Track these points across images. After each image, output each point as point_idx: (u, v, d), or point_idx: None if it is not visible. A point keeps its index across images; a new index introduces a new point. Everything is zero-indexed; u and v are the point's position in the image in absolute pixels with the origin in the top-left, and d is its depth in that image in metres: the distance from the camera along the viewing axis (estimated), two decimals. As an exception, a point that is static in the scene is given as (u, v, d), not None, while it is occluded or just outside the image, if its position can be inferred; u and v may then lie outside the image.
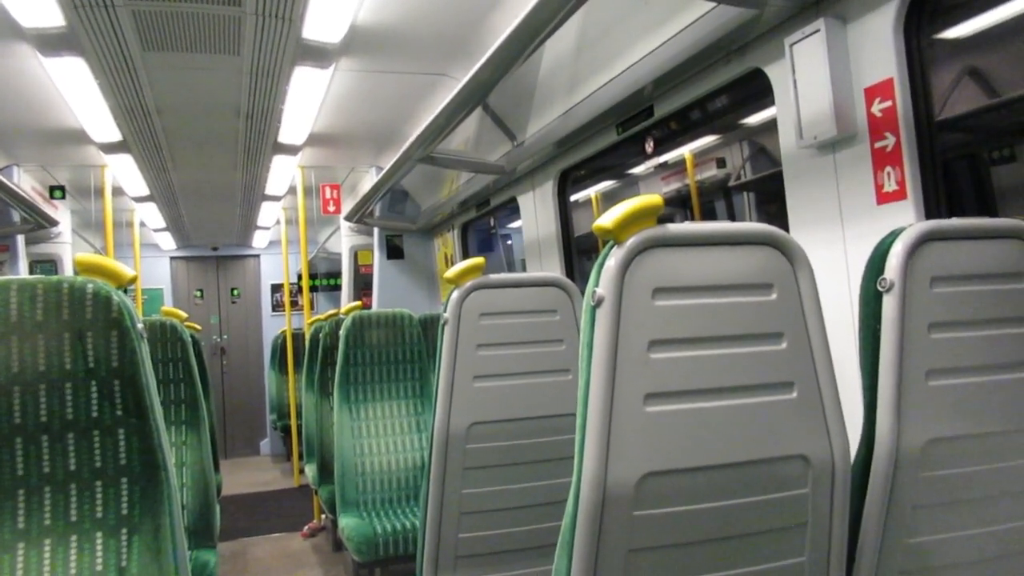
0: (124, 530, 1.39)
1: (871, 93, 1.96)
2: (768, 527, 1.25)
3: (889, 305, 1.32)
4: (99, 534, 1.38)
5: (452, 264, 4.31)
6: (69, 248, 6.45)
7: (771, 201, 4.69)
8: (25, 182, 5.40)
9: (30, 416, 1.35)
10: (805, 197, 2.18)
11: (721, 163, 5.22)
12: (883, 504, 1.32)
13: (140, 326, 1.42)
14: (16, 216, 5.15)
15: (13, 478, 1.35)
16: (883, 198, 1.94)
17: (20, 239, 5.43)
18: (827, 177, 2.09)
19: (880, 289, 1.34)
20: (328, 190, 5.89)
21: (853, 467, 1.30)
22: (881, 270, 1.34)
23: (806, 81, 2.07)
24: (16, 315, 1.34)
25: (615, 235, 1.18)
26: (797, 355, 1.25)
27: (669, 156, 5.05)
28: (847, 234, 2.03)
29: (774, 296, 1.24)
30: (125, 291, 1.47)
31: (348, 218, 6.03)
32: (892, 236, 1.36)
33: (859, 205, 2.00)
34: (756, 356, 1.23)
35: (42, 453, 1.36)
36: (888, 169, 1.92)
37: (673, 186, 5.38)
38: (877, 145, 1.95)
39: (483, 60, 2.85)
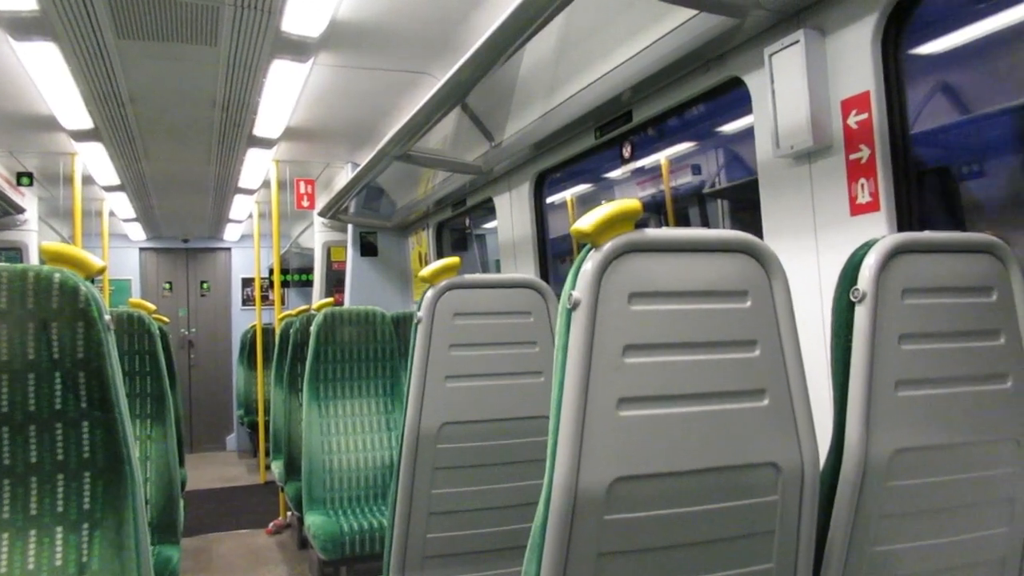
0: (86, 525, 1.36)
1: (848, 105, 1.98)
2: (737, 533, 1.26)
3: (861, 316, 1.34)
4: (60, 528, 1.35)
5: (426, 263, 4.29)
6: (35, 236, 6.34)
7: (744, 209, 4.73)
8: (-9, 167, 5.30)
9: None
10: (780, 206, 2.20)
11: (696, 170, 5.26)
12: (851, 512, 1.33)
13: (107, 317, 1.39)
14: (-19, 202, 5.05)
15: None
16: (856, 209, 1.96)
17: (-16, 225, 5.32)
18: (802, 187, 2.11)
19: (852, 300, 1.35)
20: (303, 185, 5.85)
21: (822, 475, 1.31)
22: (854, 281, 1.36)
23: (784, 91, 2.08)
24: None
25: (593, 238, 1.18)
26: (770, 363, 1.26)
27: (646, 161, 5.08)
28: (821, 244, 2.05)
29: (748, 304, 1.25)
30: (92, 281, 1.44)
31: (322, 214, 5.99)
32: (865, 248, 1.38)
33: (833, 216, 2.02)
34: (729, 363, 1.23)
35: (2, 445, 1.33)
36: (862, 181, 1.94)
37: (649, 191, 5.41)
38: (852, 157, 1.97)
39: (463, 59, 2.84)
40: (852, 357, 1.34)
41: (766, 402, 1.25)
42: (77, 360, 1.35)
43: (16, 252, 6.33)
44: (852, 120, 1.97)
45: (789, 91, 2.07)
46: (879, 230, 1.90)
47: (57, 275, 1.34)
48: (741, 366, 1.24)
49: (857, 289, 1.34)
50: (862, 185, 1.94)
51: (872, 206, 1.92)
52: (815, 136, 2.01)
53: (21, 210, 5.47)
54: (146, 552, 1.40)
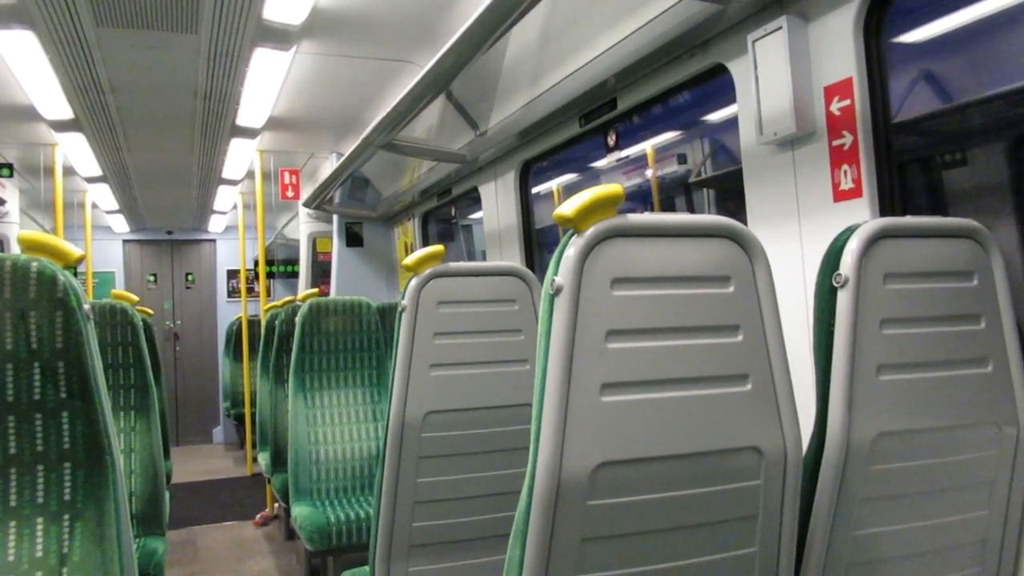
0: (66, 516, 1.35)
1: (831, 92, 1.98)
2: (720, 518, 1.26)
3: (843, 300, 1.34)
4: (40, 520, 1.34)
5: (412, 253, 4.28)
6: (16, 228, 6.28)
7: (730, 198, 4.74)
8: (-30, 159, 5.24)
9: None
10: (763, 193, 2.20)
11: (682, 159, 5.26)
12: (833, 496, 1.34)
13: (87, 307, 1.37)
14: (-40, 194, 4.99)
15: None
16: (839, 196, 1.96)
17: (-36, 218, 5.26)
18: (786, 173, 2.11)
19: (835, 285, 1.35)
20: (287, 175, 5.81)
21: (805, 460, 1.32)
22: (836, 266, 1.36)
23: (767, 78, 2.08)
24: None
25: (575, 223, 1.17)
26: (752, 348, 1.26)
27: (631, 151, 5.08)
28: (804, 230, 2.06)
29: (732, 289, 1.25)
30: (75, 272, 1.43)
31: (307, 204, 5.95)
32: (847, 233, 1.38)
33: (816, 202, 2.03)
34: (712, 348, 1.23)
35: None
36: (845, 167, 1.95)
37: (635, 181, 5.41)
38: (835, 143, 1.97)
39: (447, 47, 2.82)
40: (834, 342, 1.34)
41: (749, 387, 1.25)
42: (56, 350, 1.33)
43: (-3, 244, 6.27)
44: (835, 106, 1.97)
45: (772, 77, 2.07)
46: (862, 216, 1.90)
47: (34, 264, 1.32)
48: (724, 351, 1.24)
49: (839, 274, 1.34)
50: (845, 171, 1.95)
51: (855, 192, 1.92)
52: (798, 122, 2.01)
53: (1, 202, 5.41)
54: (128, 543, 1.39)
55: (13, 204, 6.22)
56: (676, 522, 1.23)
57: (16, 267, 1.32)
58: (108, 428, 1.38)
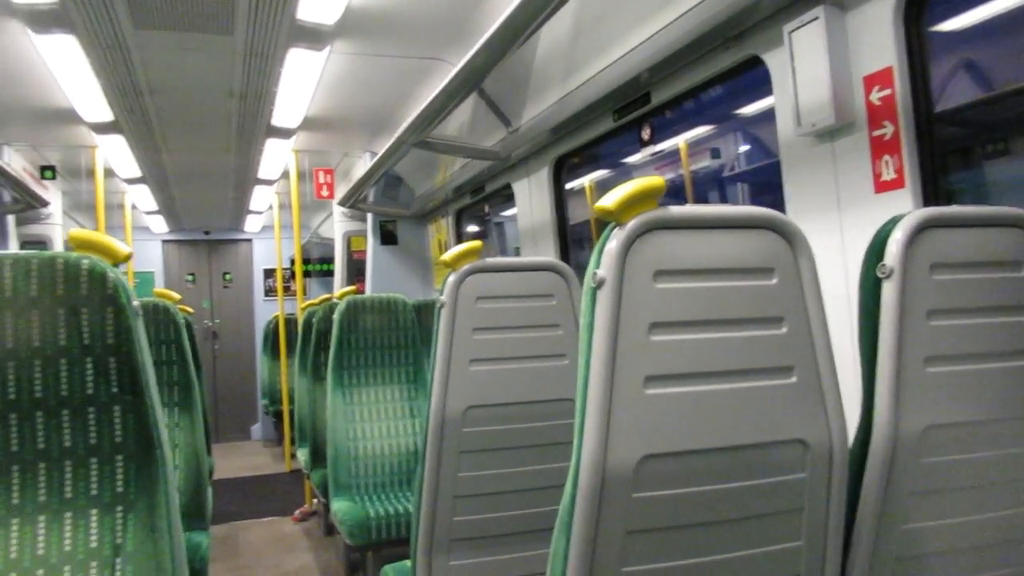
0: (119, 507, 1.38)
1: (870, 81, 1.96)
2: (765, 511, 1.25)
3: (888, 292, 1.32)
4: (94, 511, 1.37)
5: (446, 251, 4.30)
6: (60, 230, 6.41)
7: (765, 192, 4.69)
8: (15, 162, 5.35)
9: (24, 392, 1.34)
10: (802, 185, 2.18)
11: (716, 154, 5.22)
12: (880, 490, 1.32)
13: (136, 303, 1.40)
14: (6, 196, 5.10)
15: (7, 454, 1.34)
16: (881, 187, 1.94)
17: (10, 220, 5.38)
18: (825, 165, 2.09)
19: (879, 276, 1.34)
20: (322, 175, 5.87)
21: (850, 453, 1.31)
22: (881, 257, 1.34)
23: (805, 68, 2.06)
24: (10, 290, 1.33)
25: (617, 216, 1.17)
26: (797, 340, 1.25)
27: (665, 145, 5.05)
28: (844, 222, 2.04)
29: (775, 280, 1.24)
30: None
31: (342, 203, 6.01)
32: (892, 223, 1.36)
33: (857, 193, 2.00)
34: (756, 340, 1.23)
35: (36, 429, 1.35)
36: (886, 158, 1.92)
37: (667, 176, 5.38)
38: (875, 133, 1.95)
39: (479, 45, 2.84)
40: (880, 333, 1.33)
41: (794, 379, 1.24)
42: (107, 345, 1.37)
43: (41, 245, 6.40)
44: (875, 96, 1.95)
45: (810, 68, 2.04)
46: (904, 207, 1.88)
47: (85, 261, 1.36)
48: (768, 343, 1.23)
49: (884, 265, 1.32)
50: (886, 162, 1.92)
51: (897, 183, 1.90)
52: (837, 113, 1.98)
53: (45, 203, 5.53)
54: (179, 534, 1.42)
55: (56, 206, 6.35)
56: (721, 515, 1.22)
57: (68, 264, 1.35)
58: (158, 422, 1.41)
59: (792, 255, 1.26)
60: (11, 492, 1.35)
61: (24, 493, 1.36)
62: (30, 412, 1.35)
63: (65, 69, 3.77)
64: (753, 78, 2.60)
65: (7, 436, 1.34)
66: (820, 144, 2.11)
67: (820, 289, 1.27)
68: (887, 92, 1.91)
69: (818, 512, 1.27)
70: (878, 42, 1.94)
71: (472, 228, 6.03)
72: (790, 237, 1.26)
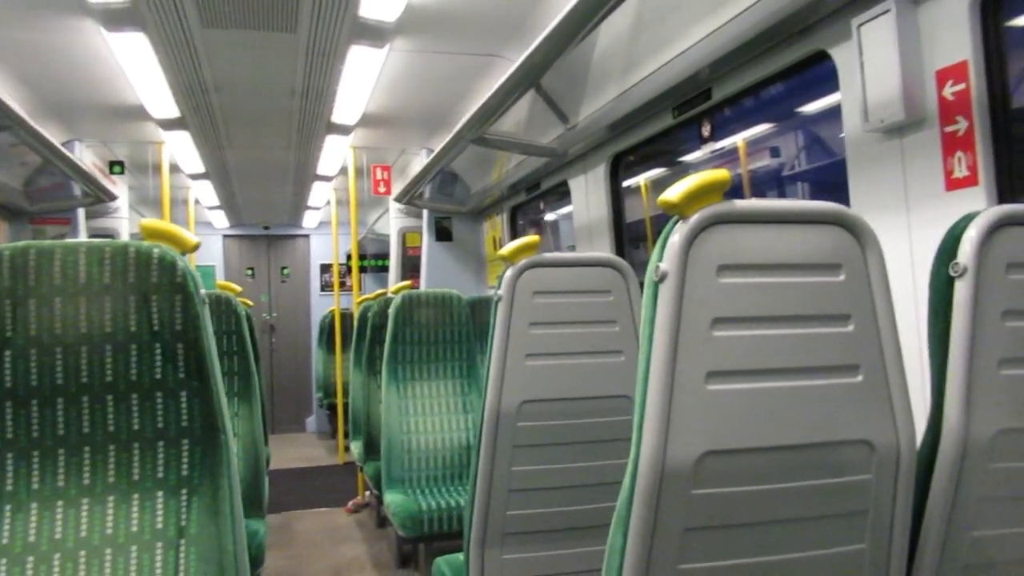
0: (184, 491, 1.42)
1: (943, 76, 1.90)
2: (828, 512, 1.23)
3: (961, 291, 1.28)
4: (160, 493, 1.41)
5: (500, 248, 4.32)
6: (126, 223, 6.60)
7: (825, 192, 4.59)
8: (86, 157, 5.53)
9: (96, 376, 1.39)
10: (869, 182, 2.13)
11: (775, 152, 5.13)
12: (949, 494, 1.28)
13: (203, 292, 1.44)
14: (77, 190, 5.28)
15: (80, 436, 1.39)
16: (952, 184, 1.88)
17: (81, 213, 5.57)
18: (893, 162, 2.04)
19: (952, 274, 1.29)
20: (379, 171, 5.93)
21: (918, 455, 1.27)
22: (953, 255, 1.30)
23: (874, 63, 2.01)
24: (84, 277, 1.37)
25: (680, 209, 1.16)
26: (864, 338, 1.22)
27: (723, 143, 4.97)
28: (912, 221, 1.98)
29: (842, 277, 1.21)
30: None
31: (398, 199, 6.07)
32: (965, 220, 1.32)
33: (926, 191, 1.94)
34: (821, 337, 1.20)
35: (107, 412, 1.40)
36: (959, 154, 1.86)
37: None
38: (947, 129, 1.89)
39: (537, 41, 2.83)
40: (952, 334, 1.28)
41: (860, 378, 1.21)
42: (175, 332, 1.40)
43: (109, 238, 6.60)
44: (948, 91, 1.89)
45: (879, 63, 1.99)
46: (977, 205, 1.81)
47: (156, 250, 1.40)
48: (834, 341, 1.20)
49: (957, 263, 1.28)
50: (959, 159, 1.86)
51: (970, 180, 1.84)
52: (907, 109, 1.93)
53: (114, 197, 5.71)
54: (240, 518, 1.45)
55: (124, 200, 6.54)
56: (782, 515, 1.20)
57: (139, 253, 1.39)
58: (222, 408, 1.45)
59: (860, 251, 1.23)
60: (82, 473, 1.39)
61: (95, 474, 1.40)
62: (101, 395, 1.39)
63: (135, 66, 3.88)
64: (817, 75, 2.54)
65: (79, 418, 1.39)
66: (888, 141, 2.05)
67: (889, 287, 1.24)
68: (961, 87, 1.85)
69: (883, 515, 1.24)
70: (953, 36, 1.88)
71: (527, 225, 6.03)
72: (858, 233, 1.23)
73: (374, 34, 3.61)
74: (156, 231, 1.44)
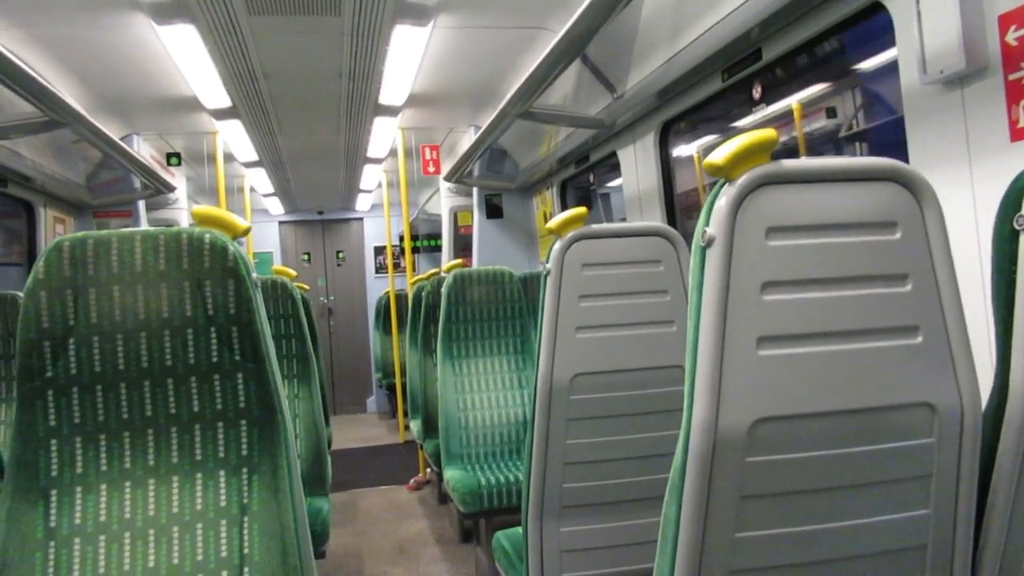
0: (244, 469, 1.45)
1: (1005, 21, 1.81)
2: (889, 477, 1.19)
3: None
4: (222, 472, 1.45)
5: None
6: (185, 214, 6.76)
7: (885, 151, 4.44)
8: (144, 150, 5.68)
9: (156, 360, 1.43)
10: (928, 136, 2.05)
11: (831, 113, 4.97)
12: (1016, 457, 1.23)
13: (255, 275, 1.46)
14: (137, 183, 5.42)
15: (143, 418, 1.43)
16: (1018, 134, 1.79)
17: (141, 205, 5.72)
18: (954, 114, 1.95)
19: (1016, 228, 1.23)
20: (428, 151, 5.95)
21: (984, 417, 1.22)
22: (1018, 207, 1.24)
23: (932, 11, 1.92)
24: (141, 265, 1.41)
25: (726, 172, 1.13)
26: (923, 298, 1.17)
27: (776, 107, 4.85)
28: (975, 174, 1.90)
29: (898, 235, 1.17)
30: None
31: (447, 178, 6.08)
32: None
33: (990, 142, 1.86)
34: (877, 298, 1.16)
35: (168, 395, 1.44)
36: (1024, 103, 1.78)
37: (780, 139, 5.17)
38: (1012, 77, 1.80)
39: (581, 10, 2.79)
40: (1017, 290, 1.23)
41: (920, 339, 1.17)
42: (229, 315, 1.43)
43: (170, 228, 6.76)
44: (1011, 36, 1.80)
45: (937, 10, 1.90)
46: (1045, 155, 1.73)
47: (208, 236, 1.42)
48: (891, 301, 1.16)
49: (1022, 216, 1.22)
50: (1024, 107, 1.78)
51: (1036, 129, 1.75)
52: (968, 57, 1.84)
53: (172, 189, 5.85)
54: (299, 495, 1.48)
55: (182, 191, 6.70)
56: (841, 481, 1.17)
57: (192, 239, 1.42)
58: (278, 388, 1.48)
59: (918, 207, 1.18)
60: (147, 454, 1.44)
61: (159, 455, 1.44)
62: (161, 379, 1.43)
63: (186, 58, 3.95)
64: (872, 30, 2.45)
65: (142, 401, 1.43)
66: (948, 92, 1.97)
67: (948, 243, 1.19)
68: (1025, 32, 1.76)
69: (947, 479, 1.20)
70: None
71: (576, 199, 5.98)
72: (915, 188, 1.18)
73: (417, 12, 3.60)
74: (207, 217, 1.47)
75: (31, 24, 3.51)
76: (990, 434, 1.24)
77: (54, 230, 4.94)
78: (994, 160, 1.85)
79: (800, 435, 1.14)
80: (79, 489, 1.41)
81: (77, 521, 1.40)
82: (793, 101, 4.71)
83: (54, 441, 1.41)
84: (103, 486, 1.42)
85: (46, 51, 3.81)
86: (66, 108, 3.42)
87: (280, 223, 10.09)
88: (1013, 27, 1.79)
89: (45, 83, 3.14)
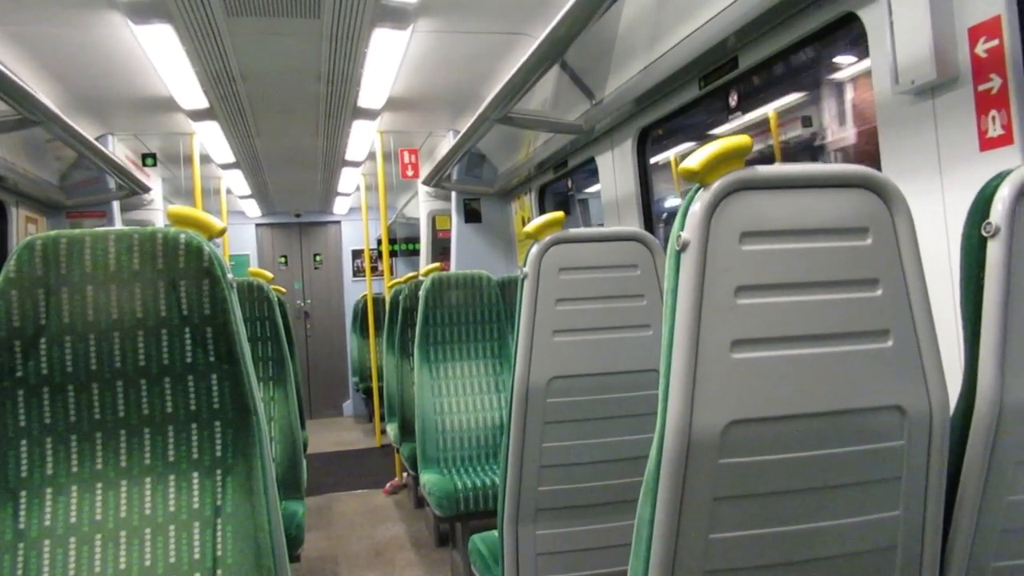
0: (219, 471, 1.44)
1: (975, 32, 1.84)
2: (860, 479, 1.21)
3: (994, 251, 1.25)
4: (195, 474, 1.44)
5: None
6: (161, 215, 6.70)
7: (861, 160, 4.50)
8: (119, 150, 5.62)
9: (129, 360, 1.41)
10: (900, 145, 2.08)
11: (807, 122, 5.03)
12: (984, 459, 1.26)
13: (230, 276, 1.46)
14: (112, 183, 5.36)
15: (115, 419, 1.42)
16: (987, 144, 1.83)
17: (116, 206, 5.66)
18: (925, 123, 1.99)
19: (984, 235, 1.26)
20: (406, 155, 5.95)
21: (952, 420, 1.25)
22: (986, 215, 1.26)
23: (904, 22, 1.96)
24: (114, 264, 1.39)
25: (701, 177, 1.14)
26: (893, 302, 1.19)
27: (753, 115, 4.90)
28: (946, 182, 1.93)
29: (869, 241, 1.19)
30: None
31: (426, 182, 6.08)
32: (998, 179, 1.28)
33: (959, 152, 1.90)
34: (849, 303, 1.18)
35: (141, 396, 1.42)
36: (993, 113, 1.81)
37: (756, 147, 5.22)
38: (981, 88, 1.84)
39: (560, 16, 2.80)
40: (984, 296, 1.25)
41: (890, 343, 1.19)
42: (204, 316, 1.42)
43: (144, 230, 6.69)
44: (981, 48, 1.83)
45: (909, 22, 1.94)
46: (1013, 164, 1.76)
47: (183, 236, 1.41)
48: (862, 306, 1.18)
49: (990, 223, 1.25)
50: (993, 117, 1.81)
51: (1005, 139, 1.79)
52: (939, 68, 1.88)
53: (147, 189, 5.79)
54: (274, 497, 1.48)
55: (157, 192, 6.63)
56: (813, 482, 1.19)
57: (167, 239, 1.41)
58: (253, 390, 1.47)
59: (888, 213, 1.20)
60: (119, 455, 1.42)
61: (131, 456, 1.43)
62: (134, 379, 1.42)
63: (163, 58, 3.92)
64: (846, 40, 2.49)
65: (114, 402, 1.42)
66: (920, 102, 2.00)
67: (918, 249, 1.21)
68: (994, 43, 1.80)
69: (917, 481, 1.22)
70: None
71: (555, 204, 6.00)
72: (886, 195, 1.20)
73: (397, 16, 3.60)
74: (182, 217, 1.46)
75: (4, 21, 3.46)
76: (958, 437, 1.27)
77: (26, 230, 4.88)
78: (964, 169, 1.88)
79: (773, 437, 1.16)
80: (49, 490, 1.39)
81: (47, 523, 1.38)
82: (770, 110, 4.76)
83: (24, 442, 1.39)
84: (74, 487, 1.40)
85: (20, 49, 3.77)
86: (40, 107, 3.39)
87: (257, 225, 10.02)
88: (983, 39, 1.82)
89: (19, 81, 3.10)
